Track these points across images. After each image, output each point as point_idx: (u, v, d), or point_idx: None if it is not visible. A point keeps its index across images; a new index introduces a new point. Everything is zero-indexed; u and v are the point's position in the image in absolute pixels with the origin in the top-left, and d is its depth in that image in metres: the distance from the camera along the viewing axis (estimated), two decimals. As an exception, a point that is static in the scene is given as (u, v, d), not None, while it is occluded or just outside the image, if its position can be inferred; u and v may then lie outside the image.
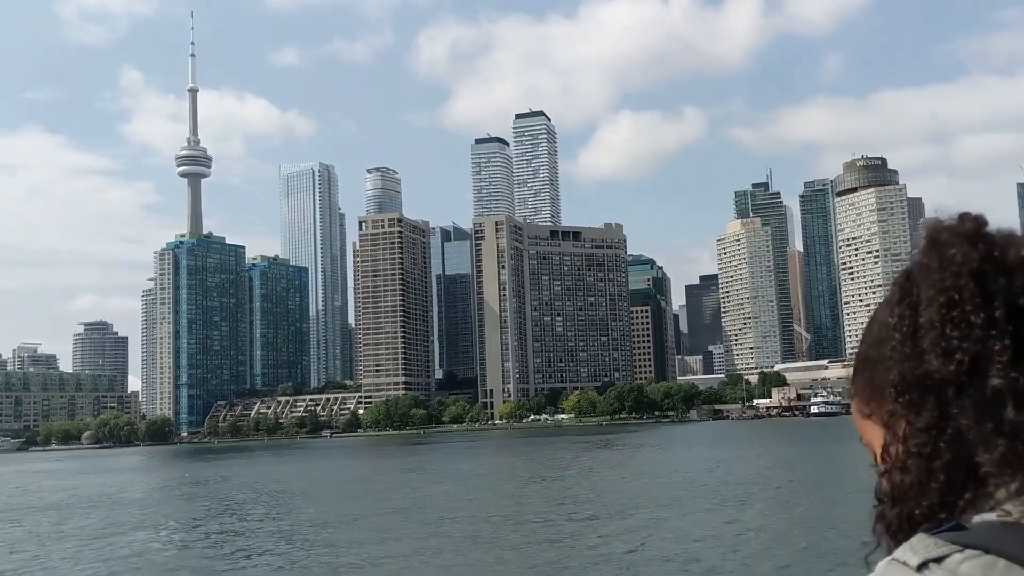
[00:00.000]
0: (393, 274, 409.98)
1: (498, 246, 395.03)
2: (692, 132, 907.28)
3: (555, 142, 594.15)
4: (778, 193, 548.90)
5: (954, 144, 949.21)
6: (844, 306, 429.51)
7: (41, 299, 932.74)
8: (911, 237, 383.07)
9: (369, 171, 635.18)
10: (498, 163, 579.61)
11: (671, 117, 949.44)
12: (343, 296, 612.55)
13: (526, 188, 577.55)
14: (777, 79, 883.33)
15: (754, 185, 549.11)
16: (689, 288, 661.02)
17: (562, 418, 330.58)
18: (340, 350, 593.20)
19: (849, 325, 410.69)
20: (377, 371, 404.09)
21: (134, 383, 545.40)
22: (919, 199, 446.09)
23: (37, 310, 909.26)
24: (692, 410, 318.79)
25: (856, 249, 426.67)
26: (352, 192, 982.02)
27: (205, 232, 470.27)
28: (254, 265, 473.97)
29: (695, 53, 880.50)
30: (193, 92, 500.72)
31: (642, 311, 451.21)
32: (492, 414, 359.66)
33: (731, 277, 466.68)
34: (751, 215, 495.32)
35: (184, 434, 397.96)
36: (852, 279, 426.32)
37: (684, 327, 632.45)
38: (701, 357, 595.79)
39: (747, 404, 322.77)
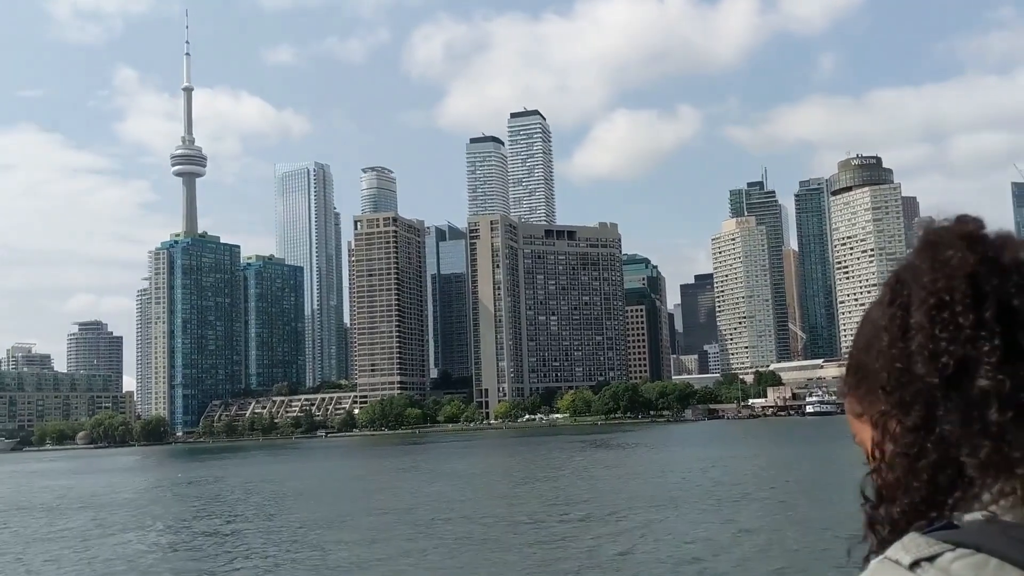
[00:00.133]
0: (388, 273, 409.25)
1: (493, 245, 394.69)
2: (687, 131, 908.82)
3: (550, 141, 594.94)
4: (773, 192, 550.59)
5: (949, 143, 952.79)
6: (839, 305, 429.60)
7: (35, 299, 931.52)
8: (906, 236, 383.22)
9: (364, 170, 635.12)
10: (493, 162, 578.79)
11: (666, 116, 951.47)
12: (338, 295, 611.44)
13: (521, 187, 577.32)
14: (772, 78, 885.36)
15: (749, 184, 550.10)
16: (684, 287, 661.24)
17: (557, 417, 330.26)
18: (335, 350, 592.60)
19: (844, 324, 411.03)
20: (372, 371, 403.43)
21: (129, 383, 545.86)
22: (914, 198, 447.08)
23: (31, 310, 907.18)
24: (687, 410, 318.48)
25: (851, 248, 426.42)
26: (347, 191, 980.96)
27: (200, 231, 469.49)
28: (249, 264, 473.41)
29: (690, 52, 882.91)
30: (188, 91, 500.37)
31: (637, 310, 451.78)
32: (487, 414, 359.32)
33: (726, 276, 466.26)
34: (746, 214, 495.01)
35: (179, 434, 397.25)
36: (847, 278, 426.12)
37: (679, 326, 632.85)
38: (696, 356, 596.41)
39: (742, 403, 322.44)
